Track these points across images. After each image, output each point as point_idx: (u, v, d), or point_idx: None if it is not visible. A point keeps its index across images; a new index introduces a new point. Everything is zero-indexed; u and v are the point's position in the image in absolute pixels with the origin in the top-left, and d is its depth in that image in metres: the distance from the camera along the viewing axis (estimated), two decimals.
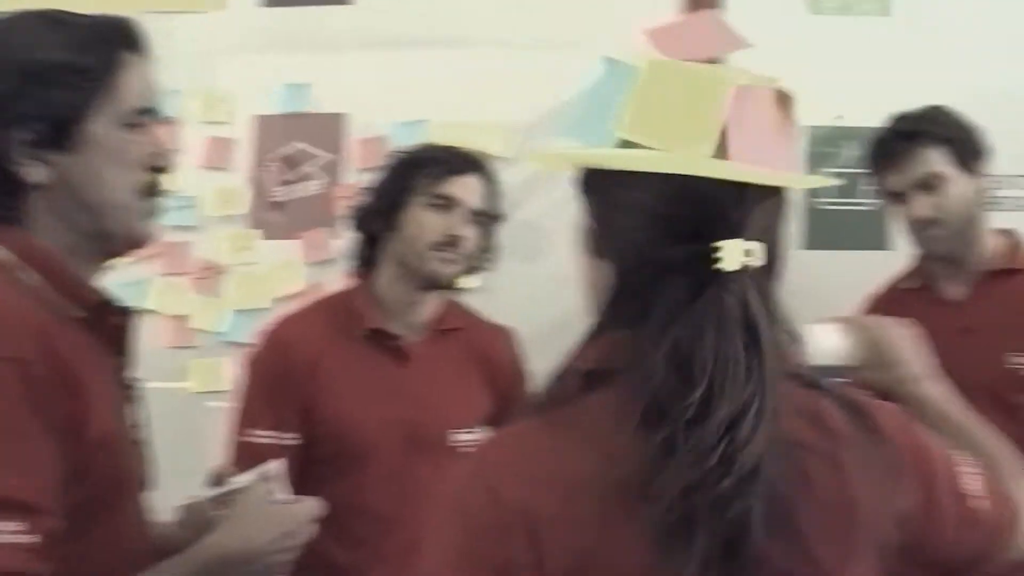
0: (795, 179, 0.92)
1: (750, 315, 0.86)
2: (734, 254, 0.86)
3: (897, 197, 2.04)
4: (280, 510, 1.25)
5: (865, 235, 2.49)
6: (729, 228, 0.87)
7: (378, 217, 1.81)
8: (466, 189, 1.81)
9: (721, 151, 0.88)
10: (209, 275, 2.50)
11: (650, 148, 0.89)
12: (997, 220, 2.12)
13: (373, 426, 1.76)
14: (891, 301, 2.14)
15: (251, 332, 2.40)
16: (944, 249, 2.02)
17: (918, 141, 1.99)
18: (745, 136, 0.89)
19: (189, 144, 2.51)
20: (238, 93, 2.52)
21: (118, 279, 2.42)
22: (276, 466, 1.29)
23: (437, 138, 2.37)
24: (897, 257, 2.18)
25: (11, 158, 1.08)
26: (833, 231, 2.52)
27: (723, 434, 0.81)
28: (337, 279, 2.39)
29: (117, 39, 1.13)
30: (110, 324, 1.15)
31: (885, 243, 2.44)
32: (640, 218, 0.89)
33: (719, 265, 0.86)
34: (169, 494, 2.43)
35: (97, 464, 1.08)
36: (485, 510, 0.85)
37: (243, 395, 1.82)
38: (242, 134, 2.51)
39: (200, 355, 2.50)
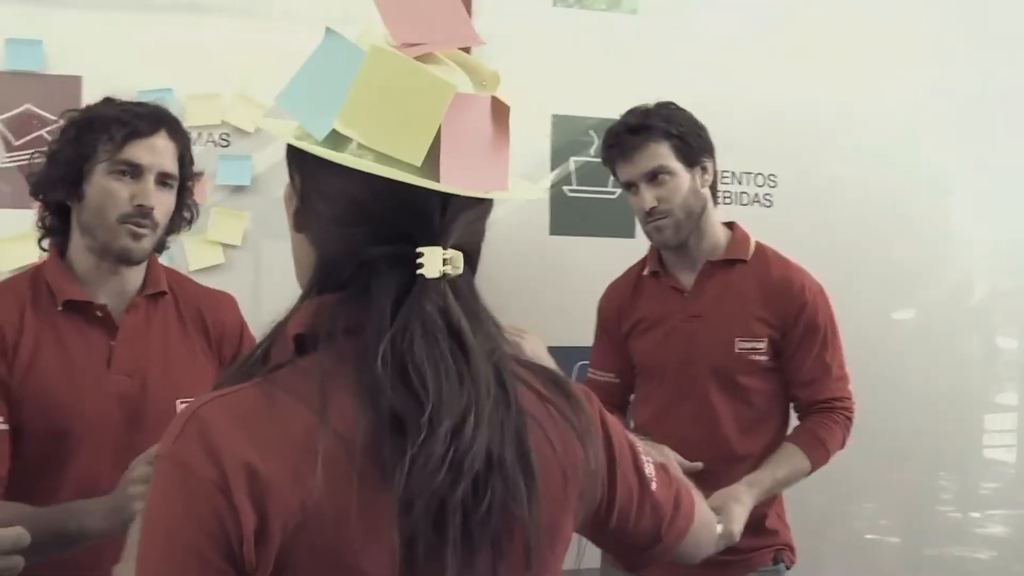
0: (502, 192, 0.93)
1: (453, 322, 0.88)
2: (434, 261, 0.88)
3: (629, 188, 2.16)
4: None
5: (610, 222, 2.60)
6: (432, 235, 0.89)
7: (60, 186, 1.69)
8: (153, 152, 1.70)
9: (432, 157, 0.87)
10: None
11: (362, 144, 0.87)
12: (723, 214, 2.29)
13: (89, 406, 1.66)
14: (629, 286, 2.28)
15: None
16: (669, 239, 2.14)
17: (646, 135, 2.10)
18: (457, 147, 0.88)
19: None
20: None
21: None
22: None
23: (183, 109, 2.35)
24: (641, 244, 2.30)
25: None
26: (579, 218, 2.61)
27: (448, 446, 0.84)
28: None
29: None
30: None
31: (630, 231, 2.54)
32: (344, 211, 0.89)
33: (421, 271, 0.87)
34: None
35: None
36: (205, 468, 0.83)
37: None
38: None
39: None
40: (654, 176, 2.11)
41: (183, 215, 1.81)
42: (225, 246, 2.42)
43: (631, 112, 2.16)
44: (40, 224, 1.75)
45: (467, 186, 0.88)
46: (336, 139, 0.88)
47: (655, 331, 2.21)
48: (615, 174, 2.20)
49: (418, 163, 0.86)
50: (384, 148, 0.86)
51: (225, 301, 1.88)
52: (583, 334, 2.36)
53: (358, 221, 0.88)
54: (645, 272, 2.26)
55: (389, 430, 0.83)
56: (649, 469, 1.09)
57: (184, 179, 1.78)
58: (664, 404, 2.19)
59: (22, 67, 2.35)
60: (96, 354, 1.70)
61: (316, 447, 0.82)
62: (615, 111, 2.22)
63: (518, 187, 0.97)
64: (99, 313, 1.71)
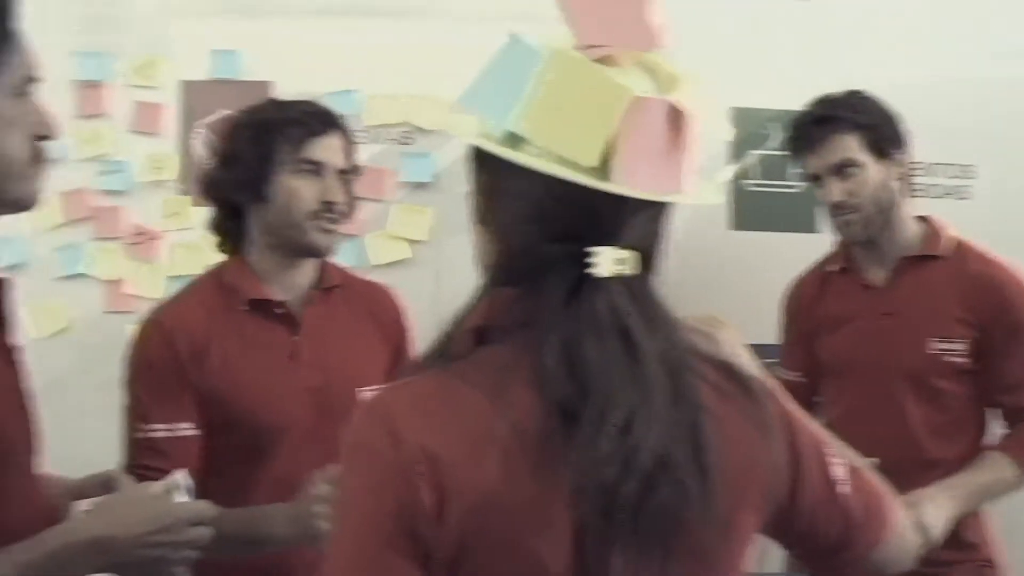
0: (677, 196, 0.94)
1: (622, 322, 0.89)
2: (607, 261, 0.89)
3: (815, 180, 2.10)
4: (156, 504, 1.23)
5: (793, 217, 2.55)
6: (604, 235, 0.90)
7: (242, 189, 1.72)
8: (331, 150, 1.75)
9: (608, 160, 0.89)
10: (143, 240, 2.49)
11: (539, 146, 0.89)
12: (919, 207, 2.18)
13: (280, 401, 1.72)
14: (816, 283, 2.22)
15: None
16: (858, 234, 2.07)
17: (834, 126, 2.03)
18: (633, 150, 0.89)
19: (119, 108, 2.50)
20: (167, 58, 2.50)
21: (54, 243, 2.50)
22: (181, 476, 1.29)
23: (367, 109, 2.45)
24: (825, 240, 2.23)
25: None
26: (760, 213, 2.57)
27: (617, 442, 0.85)
28: None
29: (7, 10, 1.16)
30: None
31: (813, 226, 2.49)
32: (523, 208, 0.92)
33: (591, 270, 0.89)
34: (111, 449, 2.33)
35: None
36: (387, 452, 0.87)
37: (131, 390, 1.72)
38: (171, 99, 2.50)
39: (137, 320, 2.40)
40: (841, 169, 2.05)
41: (351, 211, 1.86)
42: (411, 241, 2.48)
43: (818, 101, 2.10)
44: (213, 226, 1.80)
45: (640, 189, 0.89)
46: (516, 138, 0.91)
47: (843, 329, 2.14)
48: (801, 166, 2.14)
49: (591, 165, 0.88)
50: (561, 150, 0.88)
51: (388, 291, 1.92)
52: (765, 332, 2.30)
53: (535, 219, 0.90)
54: (833, 268, 2.20)
55: (559, 422, 0.86)
56: (840, 471, 1.06)
57: (352, 173, 1.83)
58: (851, 405, 2.12)
59: (223, 75, 2.50)
60: (281, 350, 1.74)
61: (493, 434, 0.85)
62: (797, 102, 2.16)
63: (697, 189, 0.97)
64: (280, 310, 1.76)
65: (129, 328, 2.34)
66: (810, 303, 2.21)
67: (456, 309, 0.94)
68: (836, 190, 2.04)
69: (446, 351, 0.93)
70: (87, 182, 2.49)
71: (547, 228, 0.90)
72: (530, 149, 0.90)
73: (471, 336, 0.92)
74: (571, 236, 0.90)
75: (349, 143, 1.79)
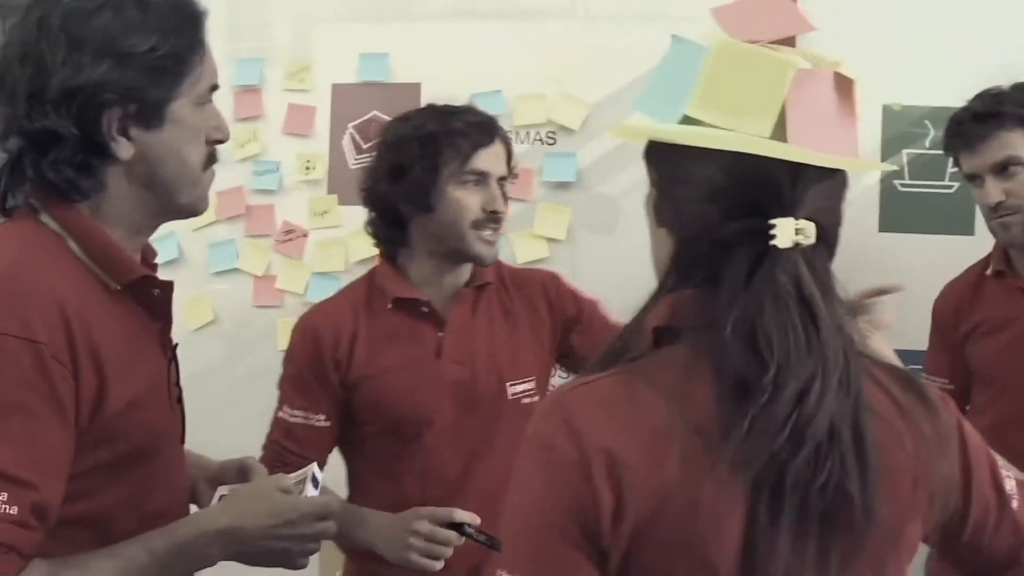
0: (851, 162, 0.96)
1: (804, 291, 0.90)
2: (787, 231, 0.91)
3: (973, 180, 2.01)
4: (283, 498, 1.25)
5: (947, 218, 2.46)
6: (783, 206, 0.91)
7: (410, 201, 1.75)
8: (494, 159, 1.78)
9: (780, 132, 0.91)
10: (292, 238, 2.57)
11: (714, 126, 0.93)
12: None
13: (424, 395, 1.76)
14: (971, 287, 2.13)
15: (329, 294, 2.37)
16: (1016, 236, 1.98)
17: (998, 122, 1.95)
18: (805, 118, 0.92)
19: (271, 110, 2.61)
20: (318, 62, 2.58)
21: (208, 240, 2.60)
22: (314, 469, 1.32)
23: (509, 109, 2.47)
24: (980, 242, 2.15)
25: (105, 135, 1.15)
26: (912, 214, 2.49)
27: (792, 409, 0.86)
28: None
29: (197, 21, 1.20)
30: (150, 295, 1.22)
31: (969, 227, 2.40)
32: (700, 191, 0.93)
33: (773, 242, 0.90)
34: (256, 438, 2.41)
35: (123, 428, 1.15)
36: (568, 449, 0.89)
37: (282, 375, 1.85)
38: (322, 102, 2.58)
39: (286, 314, 2.56)
40: (1003, 168, 1.96)
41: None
42: (549, 240, 2.50)
43: (981, 96, 2.00)
44: (374, 233, 1.84)
45: (815, 152, 0.91)
46: (690, 123, 0.95)
47: (998, 335, 2.06)
48: (958, 164, 2.06)
49: (766, 134, 0.91)
50: (735, 125, 0.92)
51: (539, 273, 1.94)
52: (915, 338, 2.21)
53: (713, 199, 0.92)
54: (988, 271, 2.11)
55: (735, 403, 0.87)
56: (1010, 485, 1.05)
57: (511, 178, 1.87)
58: (1005, 415, 2.02)
59: (371, 78, 2.57)
60: (426, 346, 1.79)
61: (672, 435, 0.86)
62: (955, 98, 2.07)
63: (861, 162, 1.00)
64: (424, 308, 1.80)
65: (276, 321, 2.57)
66: (963, 307, 2.13)
67: (634, 309, 0.96)
68: (995, 190, 1.96)
69: (624, 351, 0.95)
70: (242, 181, 2.60)
71: (726, 206, 0.92)
72: (705, 130, 0.93)
73: (651, 336, 0.94)
74: (750, 211, 0.91)
75: (509, 150, 1.82)
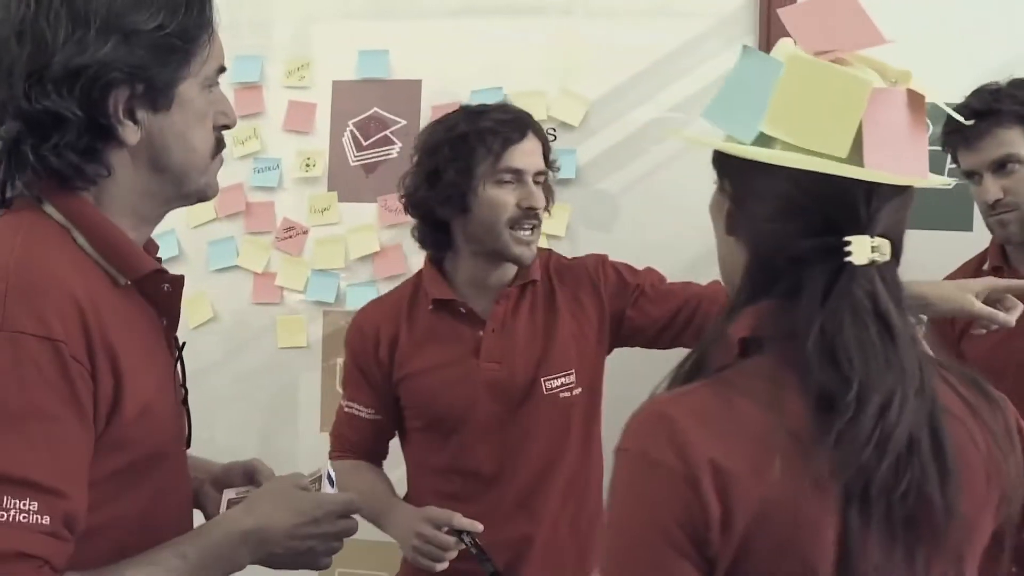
0: (925, 180, 0.97)
1: (880, 306, 0.92)
2: (863, 250, 0.92)
3: (971, 177, 1.99)
4: (305, 496, 1.22)
5: (945, 215, 2.43)
6: (859, 225, 0.93)
7: (447, 206, 1.76)
8: (527, 155, 1.77)
9: (857, 150, 0.92)
10: (292, 235, 2.55)
11: (788, 144, 0.94)
12: None
13: (459, 394, 1.79)
14: None
15: (328, 291, 2.51)
16: (1014, 234, 1.96)
17: (996, 120, 1.92)
18: (880, 137, 0.93)
19: (272, 107, 2.58)
20: (318, 59, 2.56)
21: (208, 237, 2.58)
22: (328, 468, 1.30)
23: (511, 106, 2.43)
24: (979, 239, 2.13)
25: (111, 118, 1.08)
26: (911, 209, 2.42)
27: (875, 423, 0.88)
28: (412, 242, 2.42)
29: (206, 1, 1.15)
30: (158, 290, 1.17)
31: (967, 223, 2.37)
32: (776, 208, 0.94)
33: (849, 259, 0.91)
34: (254, 438, 2.52)
35: (138, 433, 1.09)
36: (674, 463, 0.89)
37: (344, 370, 1.93)
38: (322, 99, 2.56)
39: (285, 312, 2.56)
40: (1002, 165, 1.93)
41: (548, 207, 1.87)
42: (548, 236, 2.46)
43: (978, 92, 1.97)
44: (421, 238, 1.85)
45: (893, 174, 0.92)
46: (762, 142, 0.95)
47: (994, 331, 1.95)
48: (956, 161, 2.03)
49: (843, 155, 0.91)
50: (810, 144, 0.92)
51: (587, 260, 1.91)
52: None
53: (788, 217, 0.94)
54: (985, 267, 2.08)
55: (820, 408, 0.88)
56: None
57: (549, 172, 1.85)
58: None
59: (371, 75, 2.54)
60: (466, 346, 1.80)
61: (773, 443, 0.88)
62: (954, 94, 2.02)
63: (929, 178, 1.00)
64: (463, 309, 1.81)
65: (275, 318, 2.56)
66: None
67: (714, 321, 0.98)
68: (993, 187, 1.93)
69: (704, 361, 0.96)
70: (242, 179, 2.57)
71: (803, 224, 0.93)
72: (779, 148, 0.94)
73: (736, 347, 0.95)
74: (826, 229, 0.92)
75: (545, 145, 1.81)
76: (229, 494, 1.32)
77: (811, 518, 0.88)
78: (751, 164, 0.94)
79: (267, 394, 2.57)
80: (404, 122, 2.51)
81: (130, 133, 1.09)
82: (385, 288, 2.46)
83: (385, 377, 1.83)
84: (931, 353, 1.02)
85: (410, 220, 2.34)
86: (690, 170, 2.35)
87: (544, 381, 1.80)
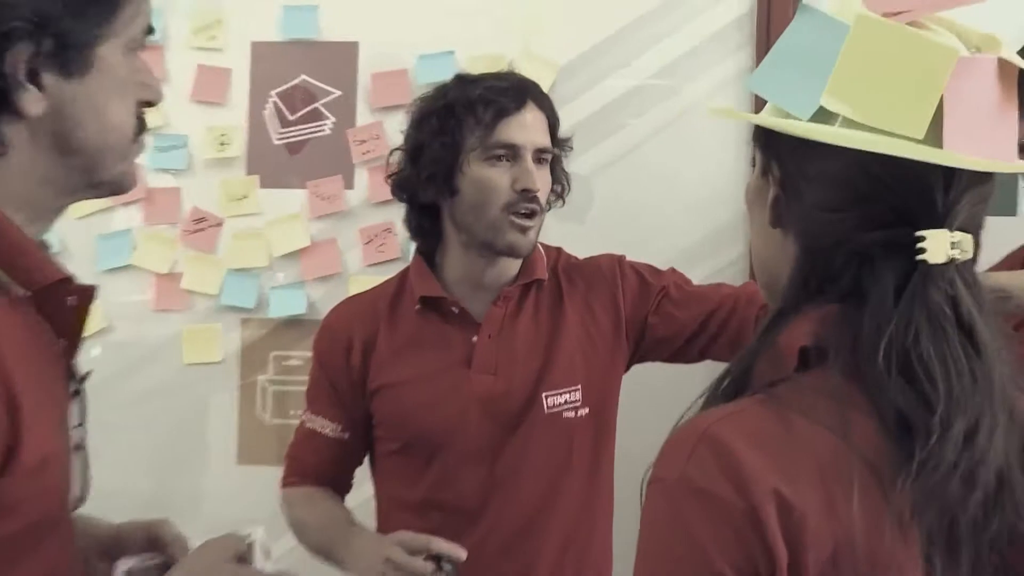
0: (1012, 165, 0.89)
1: (962, 314, 0.86)
2: (941, 245, 0.85)
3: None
4: (236, 572, 1.12)
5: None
6: (936, 216, 0.86)
7: (430, 186, 1.63)
8: (525, 129, 1.62)
9: (934, 130, 0.85)
10: (202, 228, 2.38)
11: (854, 120, 0.87)
12: None
13: (446, 409, 1.65)
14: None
15: (247, 295, 2.36)
16: None
17: None
18: (963, 116, 0.86)
19: (176, 73, 2.37)
20: (233, 15, 2.37)
21: (97, 230, 2.32)
22: (260, 534, 1.19)
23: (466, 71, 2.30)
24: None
25: (9, 80, 0.95)
26: None
27: (961, 451, 0.82)
28: (349, 235, 2.31)
29: None
30: (60, 304, 1.04)
31: (1011, 207, 2.25)
32: (836, 195, 0.88)
33: (924, 256, 0.85)
34: (151, 473, 2.32)
35: (32, 491, 0.97)
36: (730, 497, 0.81)
37: (309, 379, 1.78)
38: (238, 64, 2.37)
39: (193, 320, 2.40)
40: None
41: (554, 190, 1.72)
42: None
43: None
44: (409, 226, 1.73)
45: (979, 158, 0.86)
46: (820, 118, 0.89)
47: None
48: None
49: (921, 136, 0.85)
50: (881, 122, 0.86)
51: (602, 261, 1.78)
52: None
53: (848, 205, 0.88)
54: None
55: (895, 432, 0.83)
56: None
57: (557, 149, 1.72)
58: None
59: (297, 35, 2.34)
60: (456, 354, 1.67)
61: (846, 473, 0.82)
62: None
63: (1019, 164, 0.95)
64: (455, 309, 1.67)
65: (181, 328, 2.38)
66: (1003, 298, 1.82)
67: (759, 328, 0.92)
68: None
69: (748, 372, 0.89)
70: (139, 158, 2.30)
71: (865, 213, 0.87)
72: (840, 126, 0.88)
73: (793, 359, 0.88)
74: (895, 220, 0.86)
75: (549, 116, 1.68)
76: (123, 565, 1.20)
77: (892, 563, 0.83)
78: (807, 144, 0.88)
79: (169, 421, 2.40)
80: (338, 93, 2.34)
81: (32, 101, 0.97)
82: (316, 291, 2.32)
83: (356, 388, 1.69)
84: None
85: (344, 210, 2.22)
86: (677, 147, 2.27)
87: (546, 397, 1.66)
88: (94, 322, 2.31)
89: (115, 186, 1.07)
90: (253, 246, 2.32)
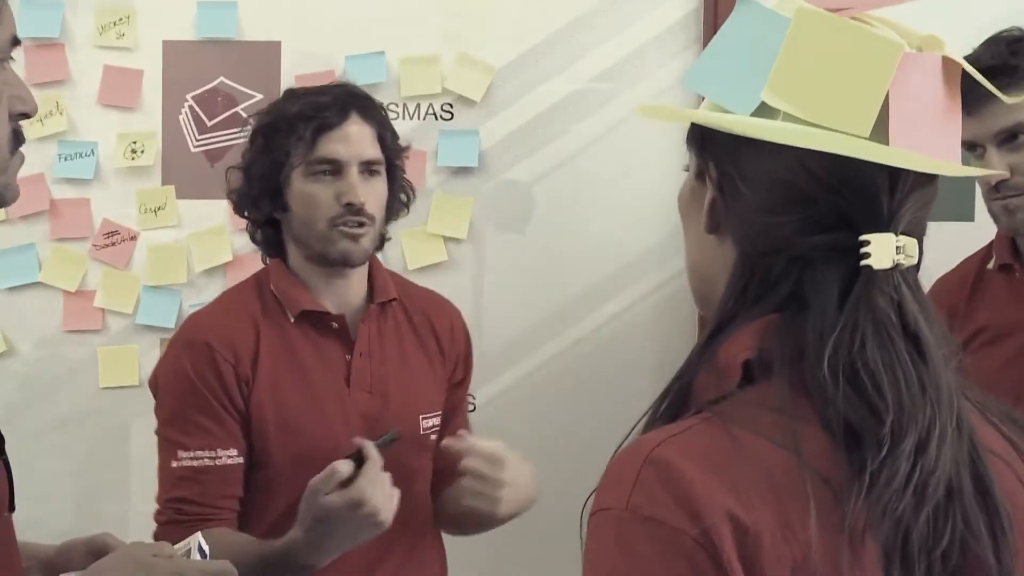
0: (963, 168, 0.91)
1: (908, 320, 0.84)
2: (886, 250, 0.84)
3: (973, 150, 1.77)
4: (164, 566, 1.16)
5: (940, 201, 2.25)
6: (880, 220, 0.85)
7: (261, 202, 1.69)
8: (348, 142, 1.66)
9: (880, 129, 0.85)
10: (114, 242, 2.31)
11: (795, 117, 0.86)
12: None
13: (331, 428, 1.66)
14: (968, 284, 1.91)
15: (167, 314, 2.28)
16: (1022, 223, 1.76)
17: (1008, 78, 1.69)
18: (909, 113, 0.86)
19: (80, 75, 2.29)
20: (142, 12, 2.29)
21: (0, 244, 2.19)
22: (199, 539, 1.26)
23: (393, 75, 2.26)
24: (982, 229, 1.93)
25: None
26: None
27: (913, 464, 0.81)
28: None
29: None
30: None
31: (968, 212, 2.23)
32: (776, 197, 0.87)
33: (868, 262, 0.84)
34: (72, 505, 2.31)
35: None
36: (681, 523, 0.80)
37: (166, 414, 1.71)
38: (149, 65, 2.29)
39: (108, 341, 2.32)
40: (1012, 136, 1.72)
41: (399, 199, 1.76)
42: (447, 239, 2.28)
43: (991, 43, 1.76)
44: (253, 239, 1.78)
45: (923, 157, 0.86)
46: (760, 116, 0.88)
47: (1002, 345, 1.84)
48: None
49: (867, 133, 0.85)
50: (824, 119, 0.85)
51: (449, 306, 1.86)
52: None
53: (789, 208, 0.86)
54: (990, 266, 1.89)
55: (845, 445, 0.82)
56: None
57: (391, 159, 1.73)
58: None
59: (214, 34, 2.27)
60: (334, 371, 1.70)
61: (803, 491, 0.80)
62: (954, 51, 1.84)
63: (965, 167, 0.96)
64: (335, 324, 1.70)
65: (95, 350, 2.31)
66: (960, 308, 1.91)
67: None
68: (999, 164, 1.74)
69: (687, 390, 0.88)
70: (42, 168, 2.29)
71: (808, 217, 0.86)
72: (784, 123, 0.87)
73: (736, 372, 0.86)
74: (838, 223, 0.85)
75: (377, 127, 1.71)
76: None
77: None
78: (744, 142, 0.86)
79: (86, 448, 2.33)
80: (259, 96, 2.26)
81: None
82: None
83: (238, 407, 1.66)
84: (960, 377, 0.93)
85: None
86: (620, 154, 2.26)
87: (422, 419, 1.73)
88: None
89: None
90: (171, 261, 2.27)
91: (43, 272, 2.27)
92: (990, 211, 1.78)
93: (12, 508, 1.19)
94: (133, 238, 2.27)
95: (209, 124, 2.28)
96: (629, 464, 0.83)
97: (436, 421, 1.75)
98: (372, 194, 1.66)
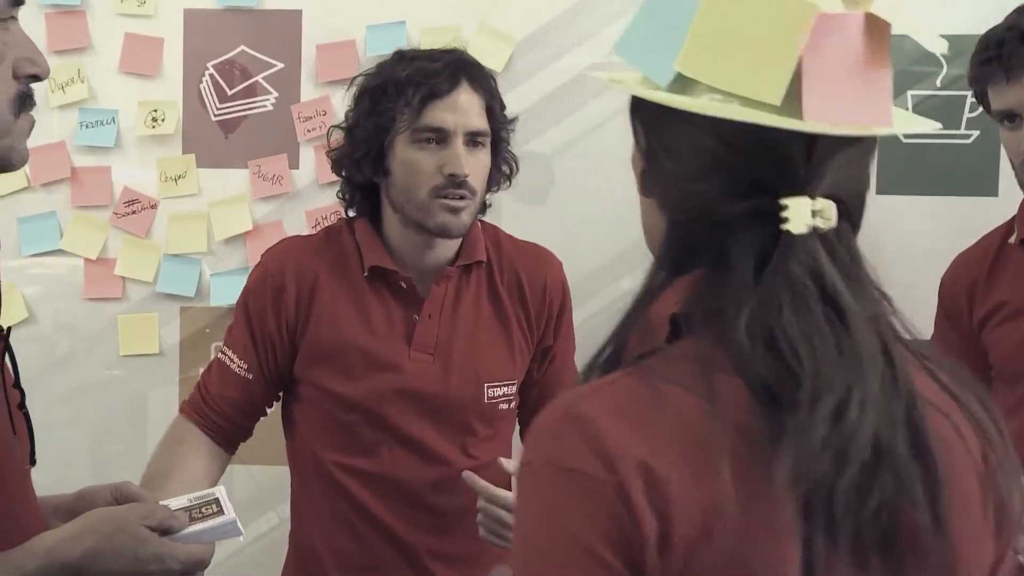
0: (883, 128, 0.89)
1: (827, 285, 0.85)
2: (801, 215, 0.85)
3: (1005, 120, 1.72)
4: (148, 542, 1.18)
5: (963, 176, 2.24)
6: (796, 183, 0.85)
7: (363, 165, 1.66)
8: (456, 111, 1.62)
9: (794, 93, 0.84)
10: (136, 210, 2.30)
11: (711, 87, 0.86)
12: None
13: (381, 384, 1.65)
14: (989, 260, 1.88)
15: (187, 282, 2.29)
16: None
17: None
18: (825, 77, 0.85)
19: (101, 42, 2.29)
20: None
21: (18, 211, 2.22)
22: (219, 493, 1.28)
23: (413, 45, 2.21)
24: (1007, 205, 1.90)
25: None
26: (918, 171, 2.27)
27: (830, 426, 0.81)
28: (295, 218, 2.26)
29: None
30: None
31: (991, 187, 2.19)
32: (694, 165, 0.88)
33: (787, 226, 0.85)
34: (89, 470, 2.35)
35: None
36: (597, 472, 0.82)
37: (235, 309, 1.76)
38: (170, 33, 2.29)
39: (129, 309, 2.32)
40: None
41: (501, 171, 1.72)
42: None
43: (1021, 10, 1.72)
44: (343, 199, 1.75)
45: (839, 123, 0.86)
46: (683, 85, 0.88)
47: (1021, 320, 1.81)
48: (983, 103, 1.77)
49: (778, 101, 0.84)
50: (737, 88, 0.86)
51: (545, 262, 1.80)
52: (922, 324, 1.92)
53: (708, 175, 0.88)
54: (1012, 239, 1.85)
55: (763, 402, 0.83)
56: None
57: (496, 131, 1.69)
58: None
59: (235, 2, 2.26)
60: (397, 329, 1.68)
61: (715, 442, 0.82)
62: (975, 25, 1.81)
63: (902, 119, 0.93)
64: (404, 284, 1.68)
65: (115, 317, 2.33)
66: (979, 285, 1.88)
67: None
68: None
69: (623, 347, 0.89)
70: (63, 135, 2.29)
71: (726, 183, 0.87)
72: (701, 93, 0.87)
73: (663, 328, 0.88)
74: (756, 189, 0.86)
75: (486, 97, 1.67)
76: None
77: (770, 533, 0.82)
78: (665, 111, 0.87)
79: (106, 416, 2.35)
80: (280, 65, 2.26)
81: None
82: None
83: (280, 333, 1.68)
84: (909, 334, 0.92)
85: (289, 191, 2.21)
86: None
87: (487, 388, 1.69)
88: (15, 311, 2.24)
89: (3, 162, 1.08)
90: (192, 230, 2.26)
91: (64, 239, 2.28)
92: (1020, 181, 1.74)
93: (33, 462, 1.20)
94: (154, 206, 2.28)
95: (229, 93, 2.27)
96: (550, 420, 0.86)
97: (508, 390, 1.71)
98: (476, 166, 1.63)
